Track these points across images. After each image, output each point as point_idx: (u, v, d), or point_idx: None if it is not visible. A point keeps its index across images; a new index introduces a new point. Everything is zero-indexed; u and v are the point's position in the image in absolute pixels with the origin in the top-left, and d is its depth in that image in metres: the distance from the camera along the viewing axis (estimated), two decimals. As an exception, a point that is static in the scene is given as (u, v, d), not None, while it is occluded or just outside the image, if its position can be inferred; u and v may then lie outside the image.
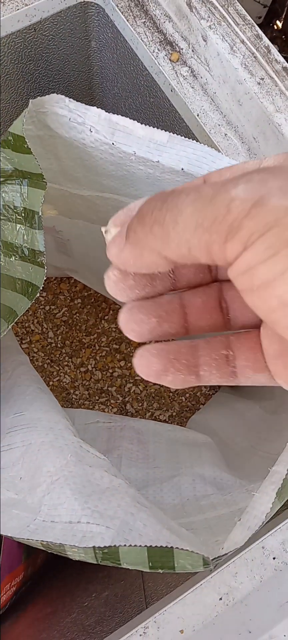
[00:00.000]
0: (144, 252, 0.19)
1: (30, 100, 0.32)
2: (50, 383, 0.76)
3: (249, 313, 0.23)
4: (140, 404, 0.75)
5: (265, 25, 1.24)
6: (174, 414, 0.75)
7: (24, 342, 0.77)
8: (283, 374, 0.21)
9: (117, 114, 0.33)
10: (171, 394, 0.76)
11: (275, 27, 1.28)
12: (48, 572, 0.62)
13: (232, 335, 0.22)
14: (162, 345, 0.22)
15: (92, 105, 0.33)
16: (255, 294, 0.17)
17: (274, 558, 0.37)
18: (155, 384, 0.75)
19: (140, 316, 0.22)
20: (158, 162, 0.33)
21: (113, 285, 0.21)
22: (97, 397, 0.76)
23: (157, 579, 0.44)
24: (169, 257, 0.19)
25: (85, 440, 0.39)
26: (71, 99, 0.32)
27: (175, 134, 0.32)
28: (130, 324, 0.22)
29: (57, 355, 0.77)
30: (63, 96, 0.32)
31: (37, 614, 0.56)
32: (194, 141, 0.32)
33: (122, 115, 0.33)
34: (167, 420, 0.75)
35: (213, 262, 0.18)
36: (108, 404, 0.75)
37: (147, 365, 0.21)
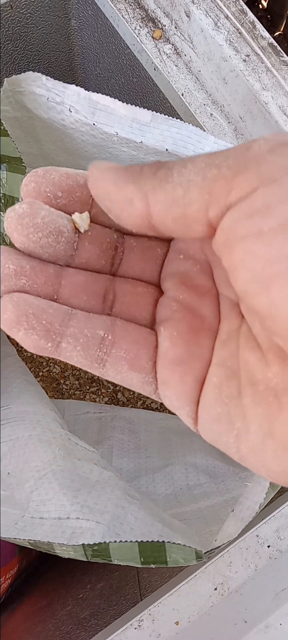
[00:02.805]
0: (129, 186, 0.18)
1: (6, 79, 0.30)
2: (40, 374, 0.75)
3: (139, 312, 0.21)
4: (131, 393, 0.74)
5: (250, 4, 1.22)
6: (166, 401, 0.74)
7: (11, 333, 0.76)
8: (178, 386, 0.19)
9: (105, 96, 0.32)
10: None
11: (260, 7, 1.27)
12: (43, 563, 0.62)
13: (119, 320, 0.21)
14: (27, 296, 0.19)
15: (80, 88, 0.32)
16: (262, 239, 0.15)
17: (269, 546, 0.36)
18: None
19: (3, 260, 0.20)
20: (141, 142, 0.32)
21: (16, 219, 0.19)
22: (87, 387, 0.75)
23: (152, 570, 0.44)
24: (155, 201, 0.17)
25: (76, 432, 0.38)
26: (48, 77, 0.31)
27: (158, 113, 0.31)
28: None
29: (46, 346, 0.76)
30: (40, 74, 0.30)
31: (33, 607, 0.56)
32: (178, 120, 0.31)
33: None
34: (158, 408, 0.74)
35: (204, 215, 0.17)
36: (99, 394, 0.74)
37: (3, 310, 0.19)
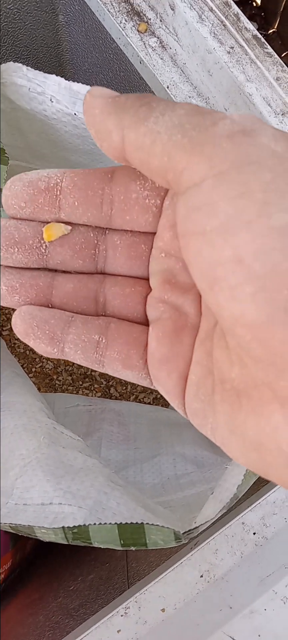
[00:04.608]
0: (111, 117, 0.18)
1: (-14, 71, 0.31)
2: (33, 370, 0.75)
3: (130, 312, 0.22)
4: (124, 388, 0.75)
5: (244, 2, 1.23)
6: (159, 396, 0.74)
7: (4, 329, 0.76)
8: (166, 382, 0.21)
9: (86, 85, 0.32)
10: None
11: (254, 4, 1.27)
12: (38, 558, 0.62)
13: (114, 322, 0.22)
14: (33, 309, 0.21)
15: (60, 78, 0.32)
16: (205, 239, 0.16)
17: (254, 533, 0.36)
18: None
19: None
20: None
21: None
22: (80, 382, 0.75)
23: (140, 559, 0.44)
24: (129, 140, 0.18)
25: (66, 424, 0.38)
26: (29, 68, 0.31)
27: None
28: None
29: (39, 342, 0.76)
30: (20, 64, 0.31)
31: (26, 600, 0.56)
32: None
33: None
34: (151, 403, 0.74)
35: (163, 174, 0.17)
36: (92, 389, 0.75)
37: (14, 325, 0.21)
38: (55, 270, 0.23)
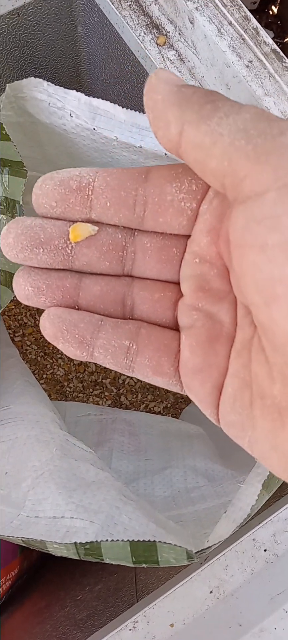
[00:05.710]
0: (174, 108, 0.18)
1: (8, 85, 0.31)
2: (44, 376, 0.75)
3: (159, 318, 0.22)
4: (134, 396, 0.75)
5: (260, 10, 1.22)
6: (169, 405, 0.74)
7: (16, 335, 0.77)
8: (199, 391, 0.20)
9: (106, 101, 0.32)
10: (166, 385, 0.75)
11: (271, 13, 1.26)
12: (45, 565, 0.62)
13: (144, 328, 0.22)
14: (62, 311, 0.21)
15: (80, 93, 0.32)
16: (266, 254, 0.15)
17: (265, 550, 0.36)
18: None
19: (19, 280, 0.21)
20: (141, 147, 0.32)
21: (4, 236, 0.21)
22: (91, 390, 0.75)
23: (149, 572, 0.44)
24: (187, 136, 0.17)
25: (77, 433, 0.38)
26: (50, 83, 0.31)
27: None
28: (15, 285, 0.21)
29: (51, 348, 0.76)
30: (41, 80, 0.31)
31: (32, 608, 0.56)
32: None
33: (111, 103, 0.32)
34: (161, 412, 0.74)
35: (220, 176, 0.17)
36: (102, 396, 0.75)
37: (42, 327, 0.21)
38: (82, 272, 0.22)
